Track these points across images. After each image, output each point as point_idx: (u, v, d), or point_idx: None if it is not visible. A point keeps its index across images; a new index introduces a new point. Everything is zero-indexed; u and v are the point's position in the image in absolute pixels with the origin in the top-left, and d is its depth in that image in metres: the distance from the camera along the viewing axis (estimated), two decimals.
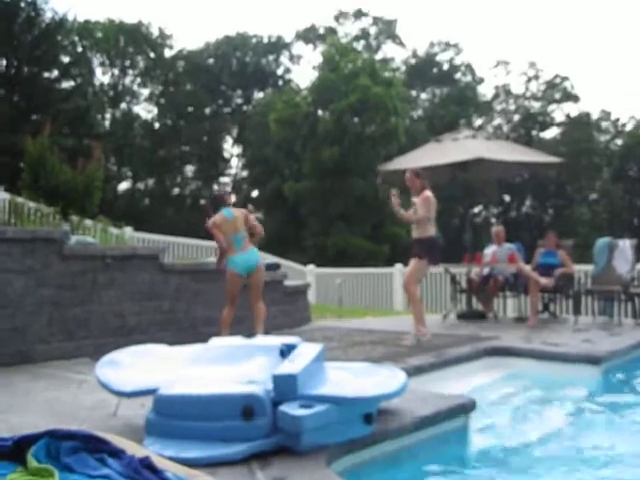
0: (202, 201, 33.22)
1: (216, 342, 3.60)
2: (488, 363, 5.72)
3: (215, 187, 29.70)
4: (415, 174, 6.83)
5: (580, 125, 36.35)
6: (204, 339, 3.85)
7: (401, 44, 38.83)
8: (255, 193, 34.27)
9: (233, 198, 6.67)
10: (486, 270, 9.08)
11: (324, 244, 26.15)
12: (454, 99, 36.87)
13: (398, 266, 13.34)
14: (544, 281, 8.22)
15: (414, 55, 39.31)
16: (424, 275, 7.20)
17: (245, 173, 37.81)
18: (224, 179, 38.52)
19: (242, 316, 6.66)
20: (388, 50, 39.07)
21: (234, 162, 40.13)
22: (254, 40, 37.50)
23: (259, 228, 6.53)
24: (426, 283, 12.61)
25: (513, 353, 5.83)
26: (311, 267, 15.18)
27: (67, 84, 24.23)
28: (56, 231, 5.81)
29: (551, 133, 38.77)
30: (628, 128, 37.23)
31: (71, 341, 5.70)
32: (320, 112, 28.94)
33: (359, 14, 38.11)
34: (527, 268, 8.51)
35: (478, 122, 38.83)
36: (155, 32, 34.89)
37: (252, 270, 6.22)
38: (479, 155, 8.64)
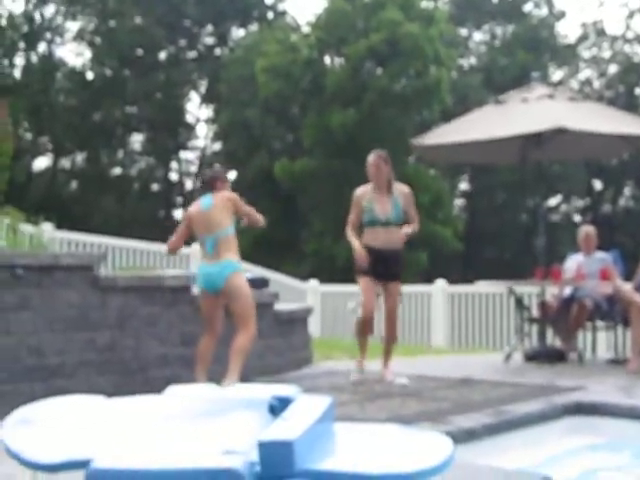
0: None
1: (176, 393, 3.60)
2: (569, 426, 5.71)
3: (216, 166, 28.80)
4: (383, 159, 7.23)
5: None
6: (159, 388, 3.85)
7: None
8: (232, 175, 34.28)
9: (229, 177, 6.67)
10: (568, 291, 9.07)
11: (332, 251, 26.14)
12: (523, 42, 36.86)
13: (440, 282, 13.33)
14: None
15: None
16: None
17: (218, 146, 37.86)
18: (187, 154, 38.60)
19: (219, 353, 6.63)
20: None
21: (202, 130, 40.23)
22: None
23: (253, 217, 6.66)
24: (478, 307, 12.60)
25: (606, 412, 5.80)
26: (313, 283, 15.18)
27: None
28: None
29: None
30: None
31: None
32: (328, 59, 28.96)
33: None
34: (628, 288, 8.50)
35: (557, 75, 38.83)
36: None
37: (217, 288, 6.27)
38: (558, 124, 8.63)
